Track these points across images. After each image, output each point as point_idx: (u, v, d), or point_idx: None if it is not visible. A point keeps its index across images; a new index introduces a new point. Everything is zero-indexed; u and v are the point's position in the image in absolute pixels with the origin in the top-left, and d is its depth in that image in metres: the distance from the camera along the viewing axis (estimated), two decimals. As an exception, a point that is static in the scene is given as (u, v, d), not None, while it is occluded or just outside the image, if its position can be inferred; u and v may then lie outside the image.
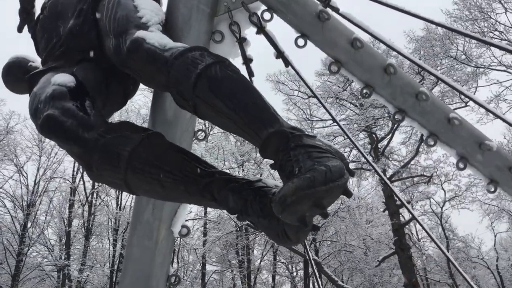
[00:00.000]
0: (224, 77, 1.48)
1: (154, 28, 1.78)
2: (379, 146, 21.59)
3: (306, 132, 1.37)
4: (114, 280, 24.17)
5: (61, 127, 1.59)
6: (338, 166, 1.18)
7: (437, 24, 2.33)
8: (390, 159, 22.76)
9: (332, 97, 21.72)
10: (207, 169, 1.57)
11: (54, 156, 25.59)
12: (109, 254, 25.45)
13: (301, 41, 2.26)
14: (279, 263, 29.02)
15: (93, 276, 23.94)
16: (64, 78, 1.78)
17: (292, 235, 1.34)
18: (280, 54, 2.30)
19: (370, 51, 2.25)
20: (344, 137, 21.20)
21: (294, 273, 29.78)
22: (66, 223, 25.05)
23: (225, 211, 1.57)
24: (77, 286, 23.53)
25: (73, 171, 25.49)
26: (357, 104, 21.86)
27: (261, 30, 2.27)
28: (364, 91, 2.31)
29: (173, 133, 2.14)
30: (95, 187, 24.72)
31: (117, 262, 24.79)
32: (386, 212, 21.38)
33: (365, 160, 22.04)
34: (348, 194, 1.23)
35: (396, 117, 2.33)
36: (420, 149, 20.54)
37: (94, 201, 25.18)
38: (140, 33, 1.68)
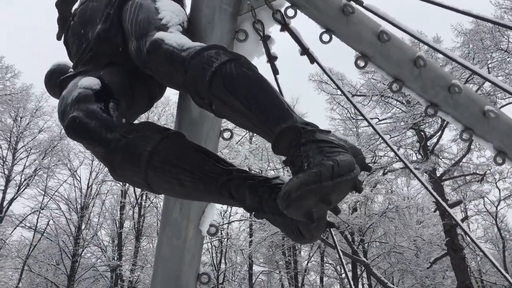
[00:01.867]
0: (239, 75, 1.47)
1: (173, 29, 1.80)
2: (428, 144, 20.93)
3: (320, 128, 1.35)
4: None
5: (85, 129, 1.64)
6: (347, 160, 1.15)
7: (483, 19, 2.22)
8: (440, 157, 22.04)
9: (377, 95, 21.27)
10: (225, 167, 1.57)
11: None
12: (158, 255, 25.98)
13: (326, 37, 2.23)
14: (327, 264, 28.69)
15: (144, 276, 24.51)
16: (89, 81, 1.83)
17: (305, 232, 1.32)
18: (305, 50, 2.27)
19: (398, 44, 2.19)
20: (390, 135, 20.73)
21: (343, 275, 29.36)
22: (118, 224, 25.84)
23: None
24: (129, 286, 24.19)
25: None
26: (404, 102, 21.29)
27: (285, 27, 2.25)
28: (394, 85, 2.25)
29: (199, 133, 2.16)
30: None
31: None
32: (437, 212, 20.72)
33: (413, 159, 21.44)
34: (358, 189, 1.19)
35: (428, 111, 2.25)
36: (472, 146, 19.77)
37: (143, 203, 25.83)
38: (159, 34, 1.71)
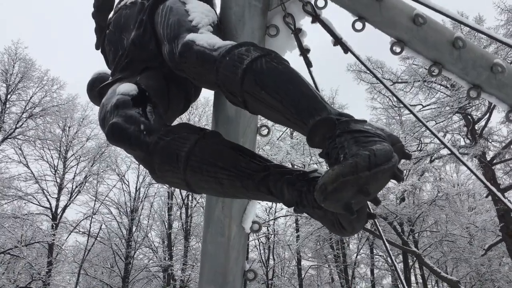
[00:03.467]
0: (270, 70, 1.47)
1: (204, 30, 1.81)
2: (476, 128, 20.20)
3: (355, 118, 1.32)
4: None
5: (124, 134, 1.67)
6: (384, 149, 1.12)
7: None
8: (490, 141, 21.21)
9: (419, 81, 20.70)
10: (262, 163, 1.57)
11: (151, 163, 27.07)
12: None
13: (358, 25, 2.19)
14: (377, 256, 28.25)
15: (195, 275, 24.91)
16: (127, 88, 1.87)
17: (346, 224, 1.30)
18: (337, 40, 2.23)
19: (434, 26, 2.12)
20: (436, 121, 20.14)
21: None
22: (166, 225, 26.40)
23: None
24: (181, 285, 24.68)
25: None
26: (448, 85, 20.62)
27: (316, 18, 2.22)
28: (432, 69, 2.18)
29: (235, 130, 2.17)
30: (190, 190, 25.76)
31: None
32: (490, 197, 19.98)
33: (461, 144, 20.75)
34: (398, 178, 1.16)
35: (471, 93, 2.17)
36: (523, 127, 18.93)
37: (190, 203, 26.27)
38: (190, 36, 1.72)
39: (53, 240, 21.76)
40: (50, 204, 23.67)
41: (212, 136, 1.67)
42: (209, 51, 1.62)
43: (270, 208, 26.96)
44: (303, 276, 26.37)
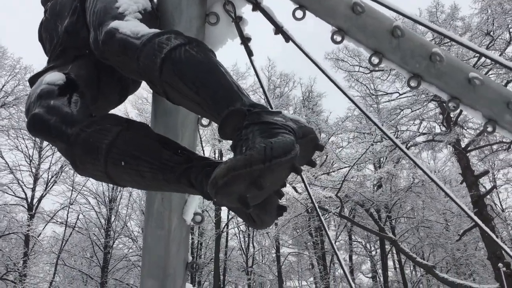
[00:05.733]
0: (188, 59, 1.43)
1: (130, 17, 1.75)
2: (451, 116, 20.48)
3: (269, 109, 1.29)
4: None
5: (45, 125, 1.62)
6: (282, 141, 1.09)
7: None
8: (465, 128, 21.55)
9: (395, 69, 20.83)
10: (185, 155, 1.54)
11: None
12: (187, 242, 26.40)
13: (299, 13, 2.15)
14: (355, 242, 28.64)
15: (174, 264, 24.93)
16: (53, 77, 1.81)
17: (256, 218, 1.28)
18: (279, 29, 2.19)
19: (373, 15, 2.09)
20: (411, 109, 20.36)
21: (373, 252, 29.25)
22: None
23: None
24: (160, 274, 24.64)
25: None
26: (424, 74, 20.77)
27: (256, 6, 2.18)
28: (373, 58, 2.16)
29: (174, 122, 2.12)
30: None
31: (196, 249, 25.72)
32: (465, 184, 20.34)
33: (437, 131, 21.01)
34: (297, 170, 1.13)
35: (411, 83, 2.16)
36: (497, 115, 19.19)
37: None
38: (114, 24, 1.66)
39: (28, 231, 21.48)
40: (26, 195, 23.35)
41: (137, 128, 1.62)
42: (131, 39, 1.57)
43: (250, 196, 27.00)
44: (281, 263, 26.56)
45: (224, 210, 26.30)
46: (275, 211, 1.29)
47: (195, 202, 2.27)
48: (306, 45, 2.26)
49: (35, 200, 23.49)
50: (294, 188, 20.34)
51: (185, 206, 2.22)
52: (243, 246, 27.91)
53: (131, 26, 1.63)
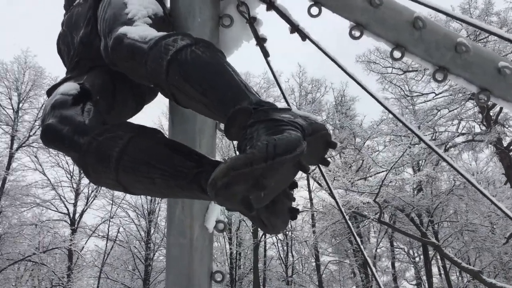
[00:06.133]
0: (194, 60, 1.39)
1: (139, 22, 1.73)
2: (491, 114, 19.77)
3: (277, 106, 1.22)
4: (234, 277, 25.10)
5: (58, 135, 1.61)
6: (287, 138, 1.02)
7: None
8: (506, 126, 20.74)
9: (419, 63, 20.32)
10: (197, 160, 1.49)
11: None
12: (225, 252, 26.46)
13: (314, 10, 2.09)
14: (397, 249, 27.91)
15: (213, 275, 24.98)
16: (66, 87, 1.81)
17: (266, 221, 1.21)
18: (294, 28, 2.13)
19: (392, 6, 2.00)
20: (449, 109, 19.79)
21: (417, 258, 28.41)
22: (183, 226, 26.46)
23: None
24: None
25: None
26: (460, 72, 20.16)
27: (271, 6, 2.13)
28: (395, 52, 2.06)
29: (192, 127, 2.09)
30: (204, 190, 25.86)
31: (235, 259, 25.71)
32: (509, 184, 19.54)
33: (476, 131, 20.31)
34: (304, 169, 1.06)
35: (436, 76, 2.05)
36: (541, 111, 18.42)
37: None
38: (122, 29, 1.64)
39: (70, 245, 21.99)
40: (68, 210, 23.97)
41: (149, 134, 1.59)
42: (139, 44, 1.54)
43: (286, 205, 26.80)
44: (321, 272, 26.16)
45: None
46: (287, 214, 1.22)
47: (217, 209, 2.22)
48: (327, 45, 2.19)
49: (77, 215, 24.09)
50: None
51: (206, 214, 2.17)
52: (282, 255, 27.69)
53: (140, 31, 1.60)
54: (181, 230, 2.15)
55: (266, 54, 2.15)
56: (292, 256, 27.84)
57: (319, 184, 21.51)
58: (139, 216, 26.90)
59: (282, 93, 2.19)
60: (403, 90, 22.42)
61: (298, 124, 1.12)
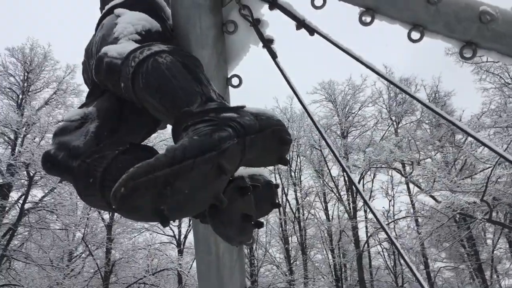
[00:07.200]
0: (153, 69, 1.35)
1: (124, 40, 1.72)
2: None
3: (226, 105, 1.12)
4: (340, 289, 24.51)
5: (54, 162, 1.63)
6: (200, 140, 0.92)
7: None
8: None
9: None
10: None
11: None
12: (329, 264, 25.94)
13: (318, 1, 1.95)
14: (518, 250, 25.38)
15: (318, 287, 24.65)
16: (70, 114, 1.84)
17: (219, 233, 1.09)
18: (300, 23, 2.00)
19: (400, -16, 1.80)
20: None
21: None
22: (283, 241, 26.50)
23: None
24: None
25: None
26: None
27: (273, 5, 2.02)
28: (412, 33, 1.85)
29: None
30: (299, 203, 25.74)
31: (339, 271, 25.10)
32: None
33: None
34: (224, 171, 0.94)
35: (464, 53, 1.80)
36: None
37: (301, 216, 26.13)
38: (104, 49, 1.65)
39: (178, 266, 22.92)
40: (174, 232, 25.08)
41: (136, 151, 1.56)
42: (116, 61, 1.53)
43: (388, 212, 25.75)
44: (433, 279, 24.56)
45: (362, 229, 25.41)
46: (239, 222, 1.10)
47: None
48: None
49: (182, 237, 25.13)
50: (432, 197, 18.79)
51: (231, 228, 2.10)
52: (389, 265, 26.51)
53: (119, 48, 1.59)
54: (207, 247, 2.10)
55: (273, 55, 2.04)
56: (401, 264, 26.52)
57: (419, 188, 20.33)
58: (240, 233, 27.40)
59: (295, 92, 2.06)
60: (503, 78, 20.57)
61: (235, 123, 1.01)
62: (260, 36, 2.04)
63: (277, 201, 1.24)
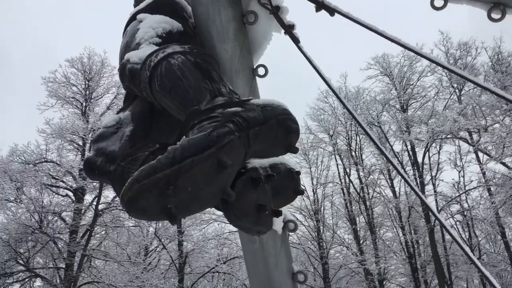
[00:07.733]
0: (166, 71, 1.40)
1: (145, 44, 1.77)
2: None
3: (235, 100, 1.15)
4: (415, 266, 23.98)
5: (94, 167, 1.73)
6: (198, 138, 0.95)
7: None
8: None
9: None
10: None
11: (321, 164, 27.59)
12: (400, 241, 25.42)
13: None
14: None
15: (390, 266, 24.22)
16: (106, 120, 1.93)
17: (236, 226, 1.13)
18: (319, 5, 1.97)
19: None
20: None
21: None
22: (349, 222, 26.27)
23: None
24: (378, 278, 24.18)
25: (338, 172, 26.90)
26: None
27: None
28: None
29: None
30: (362, 182, 25.34)
31: (412, 247, 24.55)
32: None
33: None
34: (224, 165, 0.96)
35: (492, 15, 1.70)
36: None
37: (366, 196, 25.72)
38: (126, 56, 1.71)
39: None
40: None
41: (163, 150, 1.62)
42: (136, 66, 1.59)
43: (458, 183, 24.77)
44: (512, 249, 23.40)
45: (432, 203, 24.59)
46: (254, 212, 1.12)
47: (283, 210, 2.15)
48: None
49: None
50: (503, 163, 17.76)
51: (272, 216, 2.13)
52: (464, 237, 25.57)
53: (140, 53, 1.65)
54: (249, 236, 2.13)
55: (296, 41, 2.03)
56: (476, 236, 25.51)
57: (489, 156, 19.33)
58: (305, 217, 27.43)
59: (320, 75, 2.03)
60: None
61: (238, 117, 1.03)
62: (281, 23, 2.04)
63: (300, 188, 1.24)
